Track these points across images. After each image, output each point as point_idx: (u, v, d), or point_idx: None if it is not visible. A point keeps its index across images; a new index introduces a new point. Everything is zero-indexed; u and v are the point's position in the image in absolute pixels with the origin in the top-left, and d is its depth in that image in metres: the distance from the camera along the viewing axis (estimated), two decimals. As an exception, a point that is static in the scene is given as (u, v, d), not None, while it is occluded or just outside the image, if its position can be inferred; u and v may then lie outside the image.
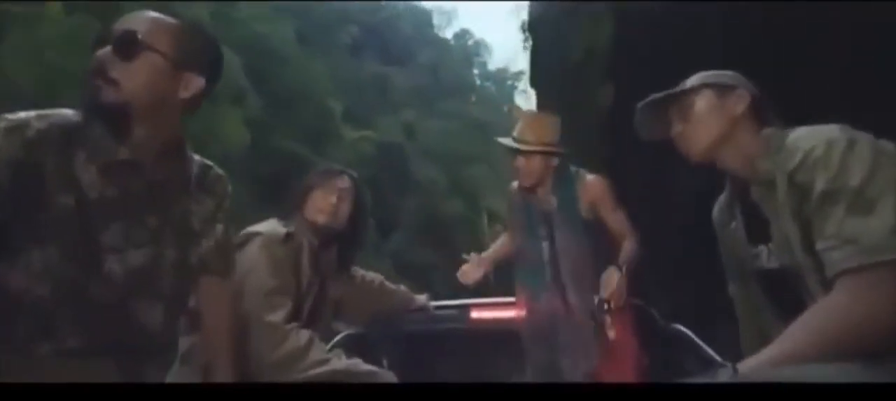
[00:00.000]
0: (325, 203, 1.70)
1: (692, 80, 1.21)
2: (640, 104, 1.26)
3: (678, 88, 1.22)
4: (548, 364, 2.05)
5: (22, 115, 1.05)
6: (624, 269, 1.94)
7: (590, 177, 2.11)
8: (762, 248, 1.15)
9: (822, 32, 3.75)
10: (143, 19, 1.09)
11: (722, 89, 1.17)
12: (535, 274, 2.12)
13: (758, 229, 1.14)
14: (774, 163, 1.05)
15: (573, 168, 2.14)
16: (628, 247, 2.02)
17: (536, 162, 2.06)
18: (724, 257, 1.27)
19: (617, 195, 2.11)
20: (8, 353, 1.02)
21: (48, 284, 1.03)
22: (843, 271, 0.89)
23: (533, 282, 2.12)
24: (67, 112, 1.10)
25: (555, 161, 2.08)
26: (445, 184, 24.27)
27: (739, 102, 1.15)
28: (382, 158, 21.70)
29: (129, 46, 1.06)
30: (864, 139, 0.96)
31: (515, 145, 2.08)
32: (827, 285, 0.93)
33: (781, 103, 1.22)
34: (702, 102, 1.18)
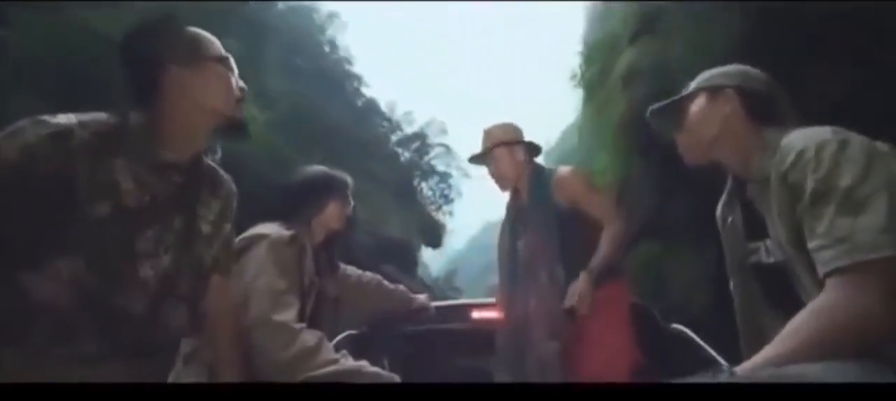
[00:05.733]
0: (343, 213, 1.82)
1: (693, 84, 1.24)
2: (648, 113, 1.30)
3: (678, 96, 1.25)
4: (516, 366, 2.03)
5: (63, 120, 1.06)
6: (593, 273, 1.89)
7: (562, 170, 2.09)
8: (761, 244, 1.16)
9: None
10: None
11: (713, 91, 1.19)
12: (509, 274, 2.14)
13: (756, 226, 1.15)
14: (769, 163, 1.06)
15: (549, 167, 2.16)
16: (604, 240, 1.95)
17: (502, 164, 2.11)
18: (725, 254, 1.28)
19: (590, 182, 2.11)
20: (26, 356, 1.02)
21: (73, 291, 1.03)
22: (834, 270, 0.90)
23: (507, 282, 2.14)
24: (104, 116, 1.12)
25: (520, 156, 2.11)
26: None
27: (727, 103, 1.17)
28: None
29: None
30: (857, 140, 0.97)
31: (476, 159, 2.17)
32: (820, 284, 0.93)
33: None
34: (695, 108, 1.21)
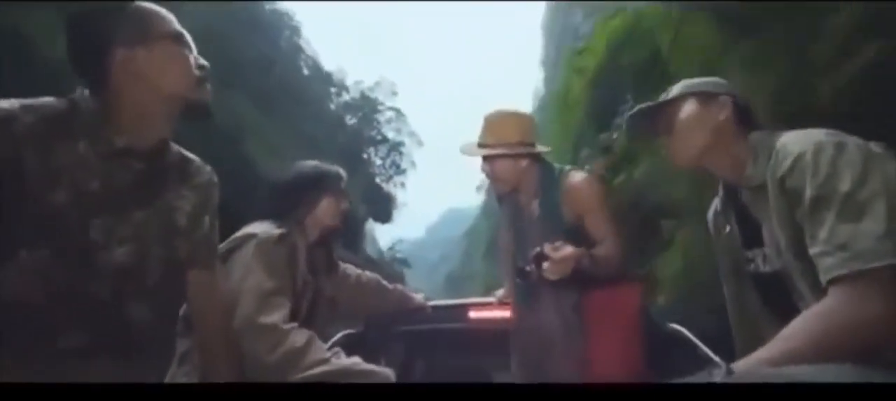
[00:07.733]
0: (338, 209, 1.77)
1: (676, 89, 1.23)
2: (627, 114, 1.30)
3: (662, 99, 1.24)
4: (533, 370, 1.93)
5: (6, 105, 1.00)
6: (586, 261, 1.71)
7: (574, 178, 1.84)
8: (757, 252, 1.15)
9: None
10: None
11: (705, 97, 1.19)
12: (519, 277, 1.95)
13: (752, 234, 1.15)
14: (764, 168, 1.06)
15: (559, 167, 1.92)
16: (601, 251, 1.76)
17: (503, 165, 1.85)
18: (719, 261, 1.28)
19: (603, 197, 1.86)
20: (6, 355, 1.00)
21: (42, 284, 1.00)
22: (836, 278, 0.90)
23: (522, 288, 1.98)
24: (52, 101, 1.06)
25: (524, 161, 1.85)
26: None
27: (722, 109, 1.16)
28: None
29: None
30: (853, 143, 0.97)
31: (472, 152, 1.87)
32: (819, 290, 0.93)
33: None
34: (686, 112, 1.20)
